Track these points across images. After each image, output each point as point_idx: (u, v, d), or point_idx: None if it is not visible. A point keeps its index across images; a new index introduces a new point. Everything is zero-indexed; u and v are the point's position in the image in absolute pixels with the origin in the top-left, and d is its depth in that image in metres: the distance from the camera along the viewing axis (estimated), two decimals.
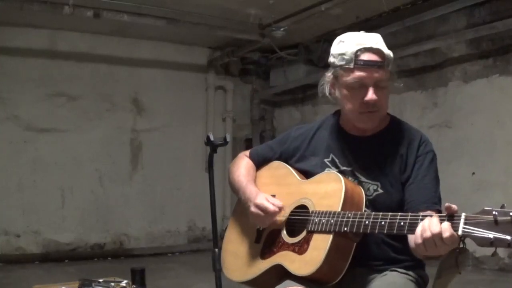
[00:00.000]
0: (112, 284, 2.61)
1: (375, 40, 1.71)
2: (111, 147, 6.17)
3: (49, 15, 4.96)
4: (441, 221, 1.40)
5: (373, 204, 1.72)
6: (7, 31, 5.56)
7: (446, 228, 1.38)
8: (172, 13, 5.22)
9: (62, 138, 5.87)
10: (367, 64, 1.68)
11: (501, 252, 4.42)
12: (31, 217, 5.69)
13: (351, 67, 1.69)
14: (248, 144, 6.97)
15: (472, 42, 4.85)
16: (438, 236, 1.38)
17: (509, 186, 4.52)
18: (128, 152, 6.31)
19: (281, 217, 1.82)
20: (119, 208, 6.18)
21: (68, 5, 4.69)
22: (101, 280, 2.66)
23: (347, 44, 1.71)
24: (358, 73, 1.69)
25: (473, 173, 4.84)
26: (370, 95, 1.69)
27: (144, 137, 6.38)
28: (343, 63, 1.71)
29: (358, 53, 1.68)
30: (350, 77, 1.70)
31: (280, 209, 1.78)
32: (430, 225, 1.40)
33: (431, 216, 1.45)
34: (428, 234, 1.40)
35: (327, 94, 1.82)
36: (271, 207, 1.77)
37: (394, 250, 1.74)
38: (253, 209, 1.81)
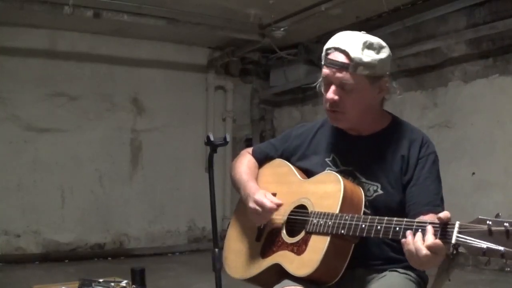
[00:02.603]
0: (112, 284, 2.62)
1: (353, 41, 1.68)
2: (111, 147, 6.17)
3: (49, 15, 4.96)
4: (435, 229, 1.40)
5: (373, 205, 1.72)
6: (7, 31, 5.56)
7: (433, 247, 1.38)
8: (172, 13, 5.22)
9: (62, 138, 5.87)
10: (330, 63, 1.71)
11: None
12: (31, 217, 5.69)
13: (322, 63, 1.75)
14: (248, 144, 6.97)
15: (472, 42, 4.85)
16: (426, 257, 1.39)
17: (509, 186, 4.52)
18: (128, 152, 6.31)
19: (280, 216, 1.82)
20: (119, 208, 6.18)
21: (68, 5, 4.69)
22: (101, 280, 2.66)
23: (328, 42, 1.75)
24: (324, 71, 1.73)
25: (473, 173, 4.84)
26: (328, 93, 1.73)
27: (144, 137, 6.38)
28: (321, 59, 1.77)
29: (328, 51, 1.73)
30: (321, 74, 1.76)
31: (278, 206, 1.78)
32: (417, 250, 1.41)
33: (426, 223, 1.44)
34: (414, 254, 1.41)
35: (317, 88, 1.84)
36: (268, 203, 1.77)
37: (394, 250, 1.74)
38: (251, 204, 1.82)
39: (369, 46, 1.68)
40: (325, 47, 1.74)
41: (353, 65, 1.66)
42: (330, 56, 1.71)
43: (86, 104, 6.02)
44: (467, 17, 4.85)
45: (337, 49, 1.69)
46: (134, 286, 2.63)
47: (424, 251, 1.39)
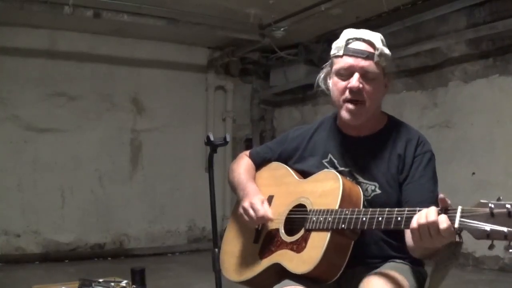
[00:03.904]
0: (112, 284, 2.62)
1: (372, 35, 1.75)
2: (111, 147, 6.17)
3: (49, 15, 4.96)
4: (438, 213, 1.40)
5: (371, 204, 1.72)
6: (7, 31, 5.56)
7: (442, 219, 1.37)
8: (172, 13, 5.22)
9: (62, 138, 5.87)
10: (355, 52, 1.72)
11: (501, 252, 4.42)
12: (31, 217, 5.69)
13: (341, 54, 1.74)
14: (248, 144, 6.97)
15: (472, 42, 4.85)
16: (433, 225, 1.38)
17: (509, 186, 4.52)
18: (128, 152, 6.31)
19: (278, 216, 1.82)
20: (119, 208, 6.18)
21: (68, 5, 4.69)
22: (101, 280, 2.67)
23: (343, 35, 1.77)
24: (346, 60, 1.73)
25: (473, 173, 4.84)
26: (354, 81, 1.71)
27: (144, 137, 6.38)
28: (335, 51, 1.77)
29: (349, 41, 1.74)
30: (339, 64, 1.75)
31: (268, 219, 1.80)
32: (427, 213, 1.40)
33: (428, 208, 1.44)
34: (423, 221, 1.40)
35: (319, 82, 1.85)
36: (262, 211, 1.79)
37: (393, 249, 1.75)
38: (245, 204, 1.84)
39: (383, 41, 1.76)
40: (343, 39, 1.75)
41: (378, 54, 1.71)
42: (352, 46, 1.72)
43: (86, 104, 6.02)
44: (467, 17, 4.84)
45: (359, 39, 1.73)
46: (134, 286, 2.64)
47: (425, 220, 1.38)
